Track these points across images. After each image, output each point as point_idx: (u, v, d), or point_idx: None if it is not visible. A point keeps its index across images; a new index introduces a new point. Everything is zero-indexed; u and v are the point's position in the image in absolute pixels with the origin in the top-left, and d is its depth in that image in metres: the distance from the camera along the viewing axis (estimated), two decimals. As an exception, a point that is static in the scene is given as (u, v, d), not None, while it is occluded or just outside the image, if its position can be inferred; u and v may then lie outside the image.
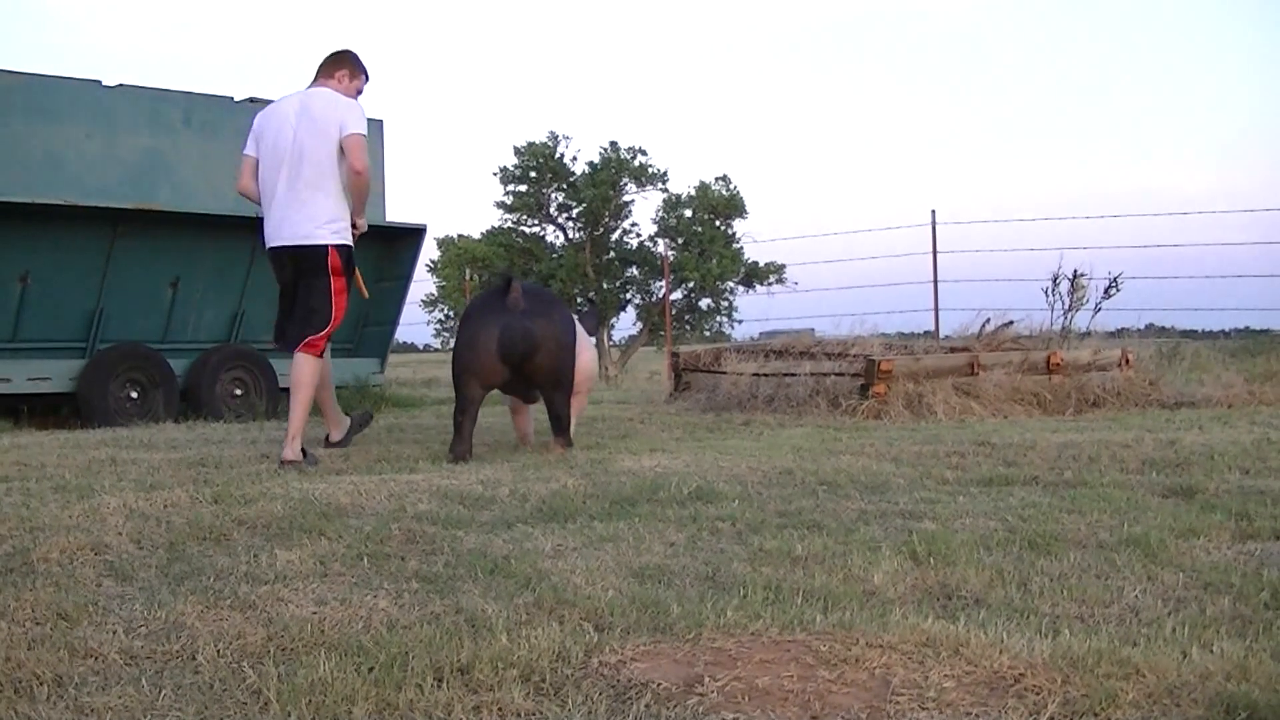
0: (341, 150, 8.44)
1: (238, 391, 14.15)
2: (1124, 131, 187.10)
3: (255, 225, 14.16)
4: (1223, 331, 27.32)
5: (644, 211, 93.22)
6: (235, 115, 14.67)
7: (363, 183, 8.63)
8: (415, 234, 16.13)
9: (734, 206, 55.95)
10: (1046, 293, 15.12)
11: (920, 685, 2.98)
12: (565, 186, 56.67)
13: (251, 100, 14.95)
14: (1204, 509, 5.63)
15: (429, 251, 54.43)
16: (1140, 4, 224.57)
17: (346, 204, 8.73)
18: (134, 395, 13.51)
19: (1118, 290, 15.29)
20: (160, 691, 3.05)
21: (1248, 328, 26.42)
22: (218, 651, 3.38)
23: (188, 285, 14.37)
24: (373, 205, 15.63)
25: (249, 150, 9.09)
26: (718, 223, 56.14)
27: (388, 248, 15.98)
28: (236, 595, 4.04)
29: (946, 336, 13.65)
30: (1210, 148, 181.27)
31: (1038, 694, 2.92)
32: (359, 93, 8.97)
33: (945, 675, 3.04)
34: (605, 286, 56.16)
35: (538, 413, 9.11)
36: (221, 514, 5.60)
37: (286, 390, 14.44)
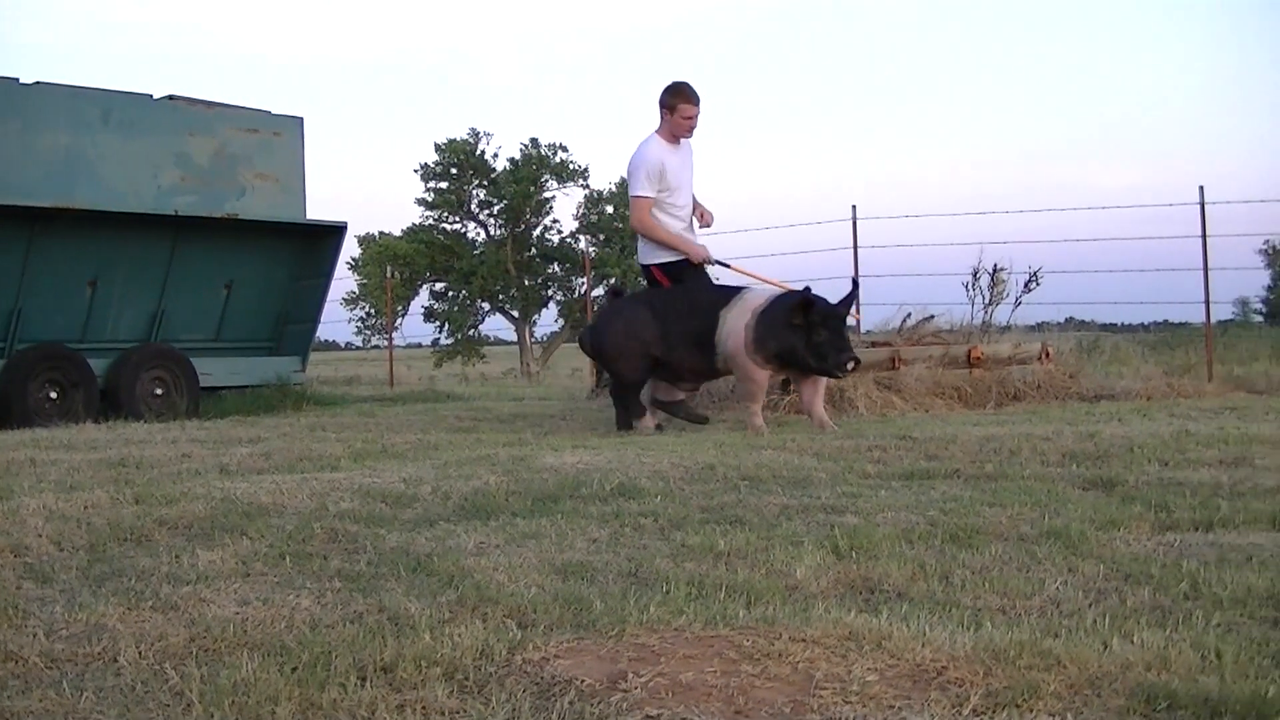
0: None
1: (158, 391, 14.09)
2: (1043, 127, 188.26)
3: (175, 224, 14.16)
4: (1142, 325, 27.62)
5: (565, 208, 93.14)
6: (154, 113, 14.62)
7: None
8: (336, 232, 16.11)
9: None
10: (967, 287, 15.14)
11: (843, 679, 2.98)
12: (486, 183, 56.75)
13: (171, 98, 14.87)
14: (1124, 501, 5.67)
15: (350, 249, 54.29)
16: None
17: None
18: (53, 396, 13.43)
19: (1038, 284, 15.33)
20: (82, 694, 3.02)
21: (1166, 321, 26.71)
22: (140, 653, 3.35)
23: (107, 284, 14.29)
24: (292, 203, 15.64)
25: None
26: (639, 219, 55.97)
27: (308, 246, 15.95)
28: (158, 596, 4.01)
29: (868, 331, 13.66)
30: (1128, 143, 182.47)
31: (960, 686, 2.93)
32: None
33: (868, 669, 3.05)
34: (527, 283, 56.25)
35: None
36: (143, 514, 5.57)
37: (207, 390, 14.45)
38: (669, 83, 10.25)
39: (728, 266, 10.32)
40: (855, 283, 9.53)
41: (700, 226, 10.69)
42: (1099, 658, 3.09)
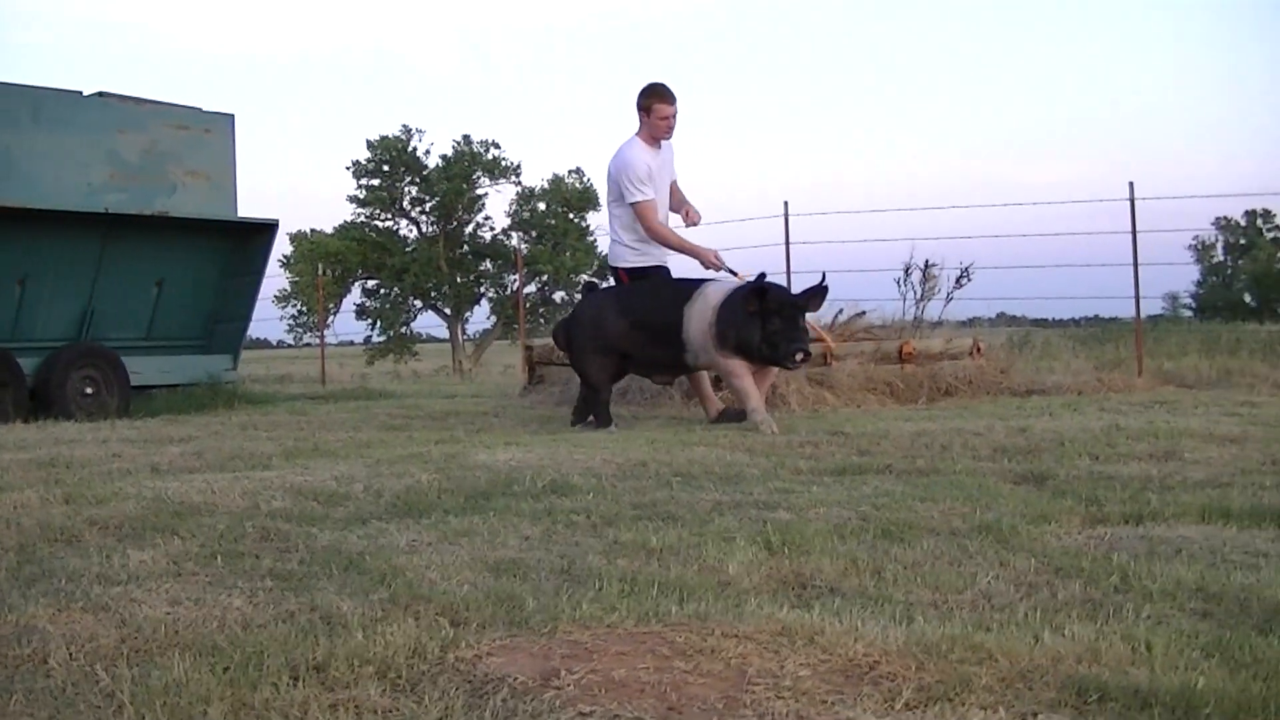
0: None
1: (89, 390, 13.98)
2: (975, 123, 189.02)
3: (105, 221, 14.06)
4: (1073, 320, 27.78)
5: (497, 205, 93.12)
6: (84, 110, 14.52)
7: None
8: (267, 229, 16.04)
9: (587, 199, 56.10)
10: (899, 283, 15.19)
11: (776, 674, 2.99)
12: (418, 180, 56.67)
13: (101, 95, 14.78)
14: (1055, 495, 5.70)
15: (281, 247, 54.04)
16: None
17: None
18: (-18, 395, 13.32)
19: (969, 280, 15.39)
20: (11, 696, 3.00)
21: (1096, 316, 26.87)
22: (70, 654, 3.32)
23: (36, 283, 14.17)
24: (223, 201, 15.56)
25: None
26: (571, 215, 56.28)
27: (239, 244, 15.88)
28: (89, 597, 3.98)
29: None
30: (1059, 139, 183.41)
31: (892, 680, 2.94)
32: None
33: (801, 664, 3.05)
34: (459, 280, 56.15)
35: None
36: (73, 515, 5.53)
37: (138, 388, 14.35)
38: (644, 85, 10.25)
39: (735, 274, 10.08)
40: (823, 275, 9.34)
41: (687, 224, 10.68)
42: (1030, 651, 3.11)
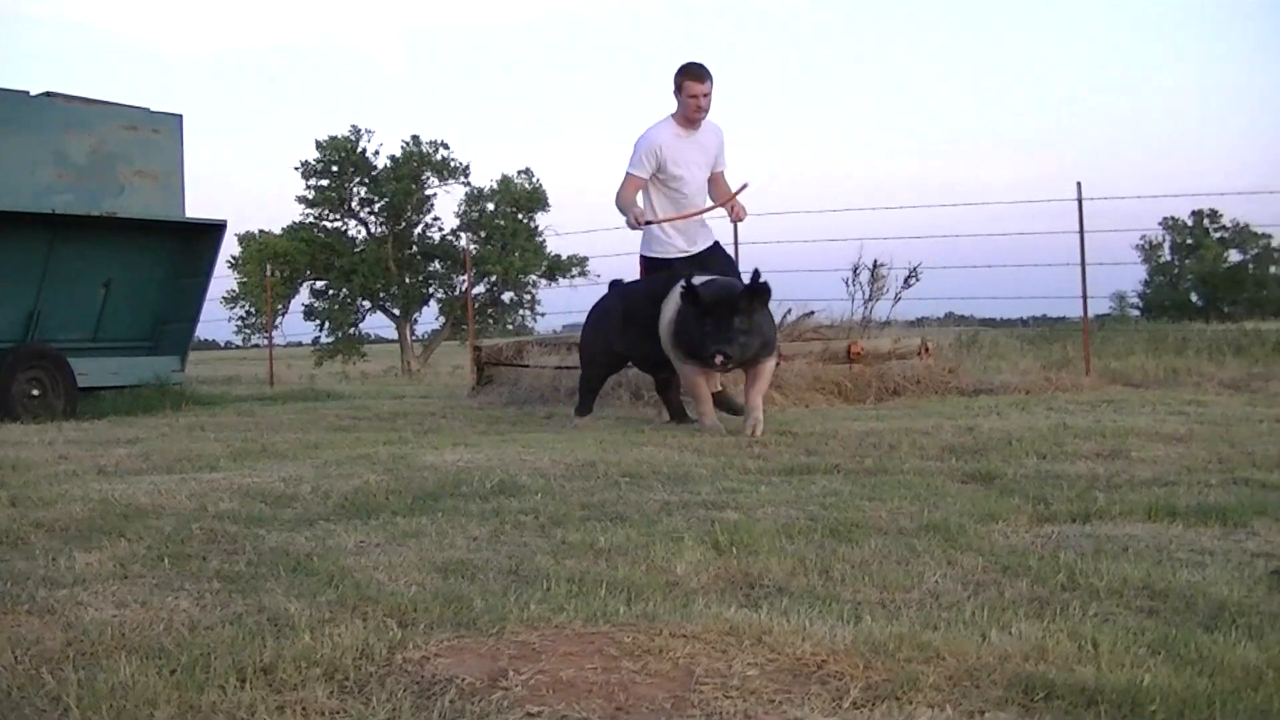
0: None
1: (35, 392, 13.87)
2: (923, 122, 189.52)
3: (52, 222, 13.98)
4: (1020, 320, 27.83)
5: (446, 205, 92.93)
6: (31, 110, 14.41)
7: None
8: (215, 230, 15.96)
9: (536, 199, 56.09)
10: (847, 283, 15.25)
11: (724, 674, 2.99)
12: (367, 180, 56.51)
13: (49, 95, 14.69)
14: (1002, 494, 5.73)
15: (229, 247, 53.85)
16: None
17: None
18: (-72, 397, 13.23)
19: (917, 280, 15.45)
20: (-45, 700, 2.99)
21: (1044, 316, 26.94)
22: (15, 658, 3.30)
23: (-21, 284, 14.08)
24: (172, 201, 15.48)
25: None
26: (520, 216, 56.25)
27: (187, 244, 15.78)
28: (34, 600, 3.96)
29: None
30: (1007, 138, 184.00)
31: (840, 680, 2.95)
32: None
33: (749, 664, 3.06)
34: (407, 281, 56.05)
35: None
36: (19, 517, 5.51)
37: (85, 390, 14.26)
38: (681, 63, 9.96)
39: (652, 223, 9.91)
40: (755, 273, 9.08)
41: (732, 220, 10.47)
42: (977, 649, 3.12)
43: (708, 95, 9.85)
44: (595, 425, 9.90)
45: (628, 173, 9.85)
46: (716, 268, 9.75)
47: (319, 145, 56.45)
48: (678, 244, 10.01)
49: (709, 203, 10.19)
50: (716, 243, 10.38)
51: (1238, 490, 5.75)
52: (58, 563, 4.58)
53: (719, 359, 8.67)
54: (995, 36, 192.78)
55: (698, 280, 8.98)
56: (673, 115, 9.98)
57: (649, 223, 9.83)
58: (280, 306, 52.80)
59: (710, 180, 10.24)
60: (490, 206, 56.98)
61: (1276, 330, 19.66)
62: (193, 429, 10.83)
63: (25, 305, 14.42)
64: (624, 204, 9.83)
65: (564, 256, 54.85)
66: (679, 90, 9.85)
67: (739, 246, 17.22)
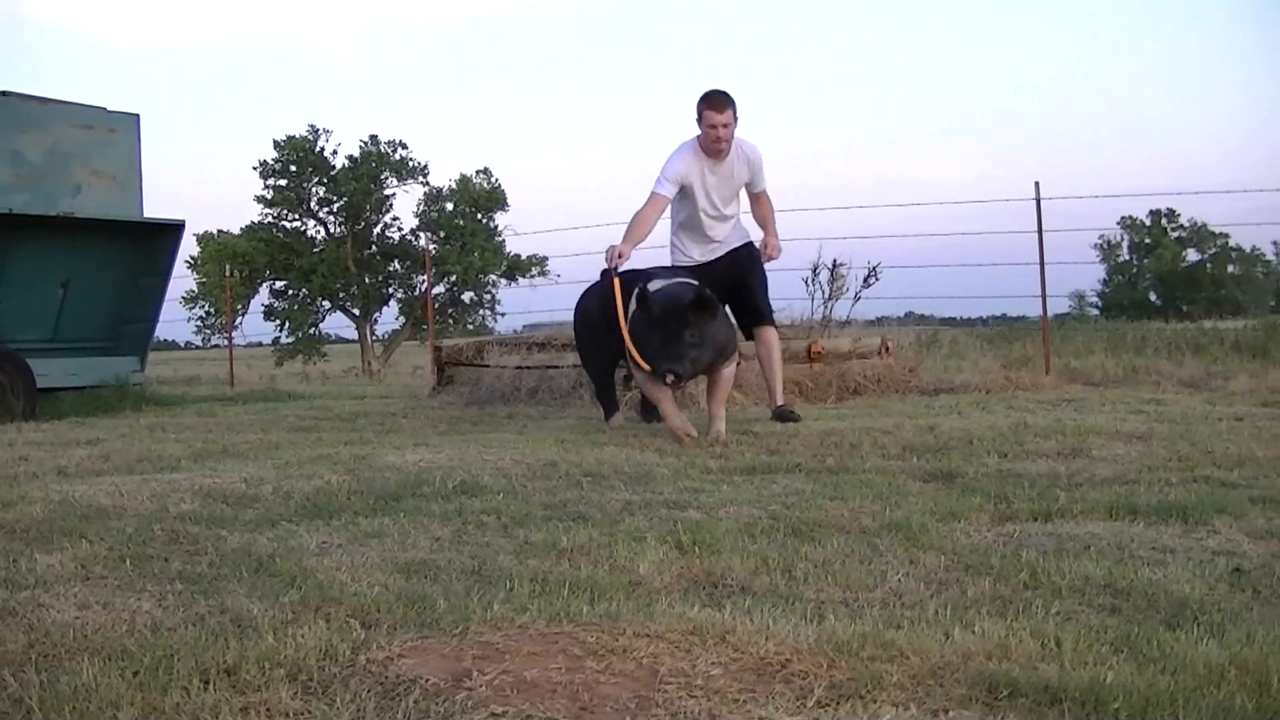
0: None
1: (-7, 393, 13.82)
2: (882, 121, 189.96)
3: (8, 222, 13.90)
4: (980, 319, 27.85)
5: (405, 205, 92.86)
6: (-10, 110, 14.36)
7: None
8: (173, 230, 15.90)
9: (495, 199, 56.10)
10: (807, 282, 15.25)
11: (688, 673, 2.99)
12: (326, 180, 56.41)
13: (3, 94, 14.63)
14: (964, 493, 5.74)
15: (188, 247, 53.66)
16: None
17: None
18: (-116, 399, 13.16)
19: (877, 279, 15.49)
20: (-85, 704, 2.97)
21: (1004, 315, 26.96)
22: (-25, 660, 3.29)
23: (-63, 285, 14.01)
24: (129, 201, 15.42)
25: None
26: (479, 216, 56.27)
27: (145, 244, 15.71)
28: (-6, 602, 3.95)
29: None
30: (966, 137, 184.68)
31: (804, 678, 2.95)
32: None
33: (712, 663, 3.06)
34: (367, 281, 55.99)
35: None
36: (-23, 518, 5.48)
37: (44, 391, 14.19)
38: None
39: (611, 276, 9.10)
40: (604, 274, 8.63)
41: (764, 258, 9.82)
42: (941, 648, 3.12)
43: (727, 125, 9.31)
44: (623, 422, 9.88)
45: (654, 192, 9.37)
46: (716, 273, 9.51)
47: (277, 145, 56.33)
48: (693, 255, 9.72)
49: (732, 227, 9.86)
50: (750, 243, 9.95)
51: (1198, 488, 5.77)
52: (18, 564, 4.56)
53: (669, 379, 8.20)
54: (954, 36, 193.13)
55: (653, 286, 8.57)
56: (697, 138, 9.49)
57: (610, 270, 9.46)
58: (240, 307, 52.66)
59: (753, 200, 9.90)
60: (449, 206, 56.95)
61: (1234, 329, 19.72)
62: (153, 429, 10.79)
63: (-18, 305, 14.36)
64: (637, 223, 9.26)
65: (524, 256, 54.89)
66: (699, 119, 9.36)
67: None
